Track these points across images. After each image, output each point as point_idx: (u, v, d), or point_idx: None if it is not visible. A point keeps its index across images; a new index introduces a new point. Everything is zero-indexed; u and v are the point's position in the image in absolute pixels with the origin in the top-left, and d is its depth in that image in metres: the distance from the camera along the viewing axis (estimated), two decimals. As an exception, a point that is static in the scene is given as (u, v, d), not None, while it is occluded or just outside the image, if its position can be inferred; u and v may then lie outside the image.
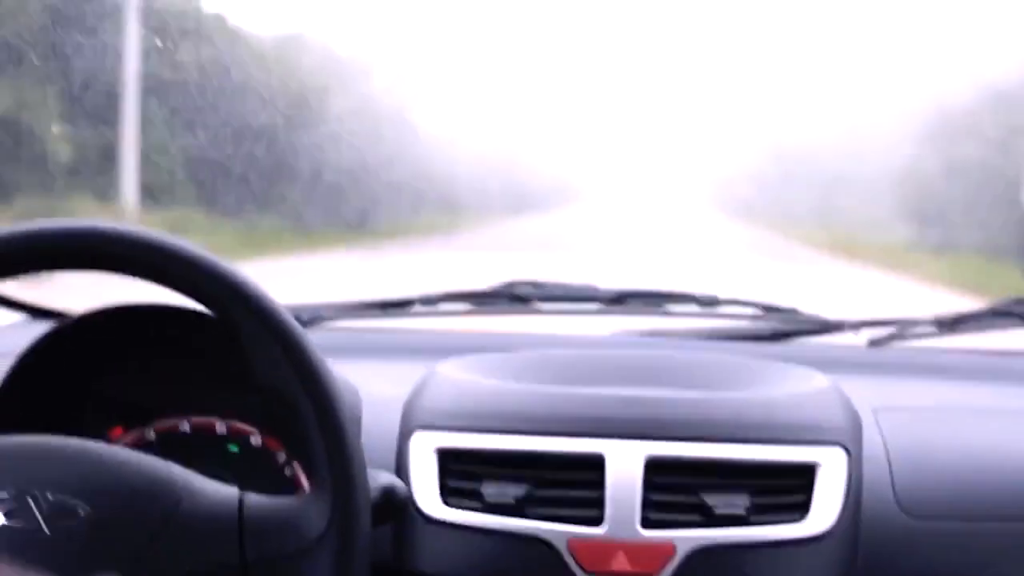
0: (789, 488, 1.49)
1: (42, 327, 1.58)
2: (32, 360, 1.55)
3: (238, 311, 1.17)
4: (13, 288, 2.12)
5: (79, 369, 1.58)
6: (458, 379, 1.63)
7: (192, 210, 3.65)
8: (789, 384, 1.65)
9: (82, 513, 1.15)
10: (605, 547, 1.43)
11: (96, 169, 3.36)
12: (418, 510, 1.49)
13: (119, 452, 1.23)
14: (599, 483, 1.46)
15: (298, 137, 3.05)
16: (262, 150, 2.77)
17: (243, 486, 1.23)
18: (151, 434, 1.59)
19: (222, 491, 1.21)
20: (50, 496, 1.16)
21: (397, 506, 1.29)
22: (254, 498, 1.20)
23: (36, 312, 2.13)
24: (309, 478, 1.23)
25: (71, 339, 1.56)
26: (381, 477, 1.30)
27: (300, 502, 1.20)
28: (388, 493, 1.29)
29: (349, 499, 1.16)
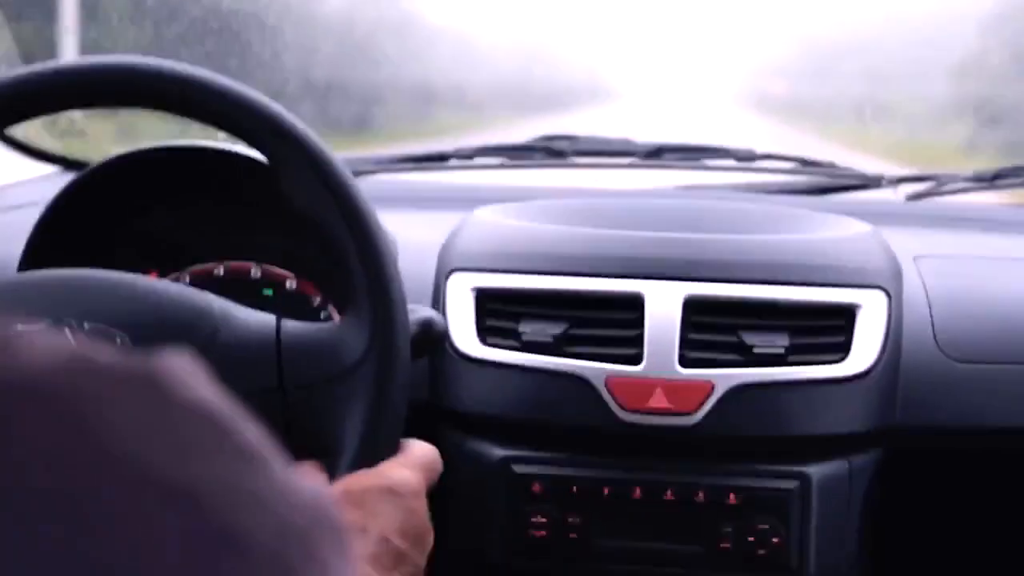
0: (829, 329, 1.48)
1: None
2: (62, 206, 1.54)
3: (281, 146, 1.16)
4: (47, 142, 2.12)
5: (113, 212, 1.57)
6: (496, 222, 1.62)
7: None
8: (829, 229, 1.64)
9: (119, 341, 1.15)
10: (643, 384, 1.43)
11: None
12: (455, 349, 1.49)
13: (156, 283, 1.23)
14: (638, 322, 1.46)
15: (279, 28, 2.92)
16: (235, 42, 2.67)
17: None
18: (185, 278, 1.58)
19: (259, 318, 1.20)
20: (87, 325, 1.15)
21: (434, 339, 1.29)
22: (291, 324, 1.19)
23: (69, 164, 2.12)
24: (347, 311, 1.22)
25: (104, 183, 1.55)
26: (420, 311, 1.29)
27: (338, 328, 1.19)
28: (426, 326, 1.28)
29: (388, 325, 1.15)
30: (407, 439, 1.15)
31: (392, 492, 1.04)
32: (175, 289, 1.21)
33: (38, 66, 1.16)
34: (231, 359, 1.16)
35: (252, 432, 0.48)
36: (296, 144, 1.15)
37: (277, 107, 1.16)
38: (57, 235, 1.54)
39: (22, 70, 1.16)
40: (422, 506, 1.07)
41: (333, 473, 1.11)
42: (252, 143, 1.17)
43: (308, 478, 0.55)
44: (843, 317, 1.48)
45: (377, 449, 1.12)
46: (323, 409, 1.15)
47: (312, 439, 1.16)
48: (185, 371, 0.49)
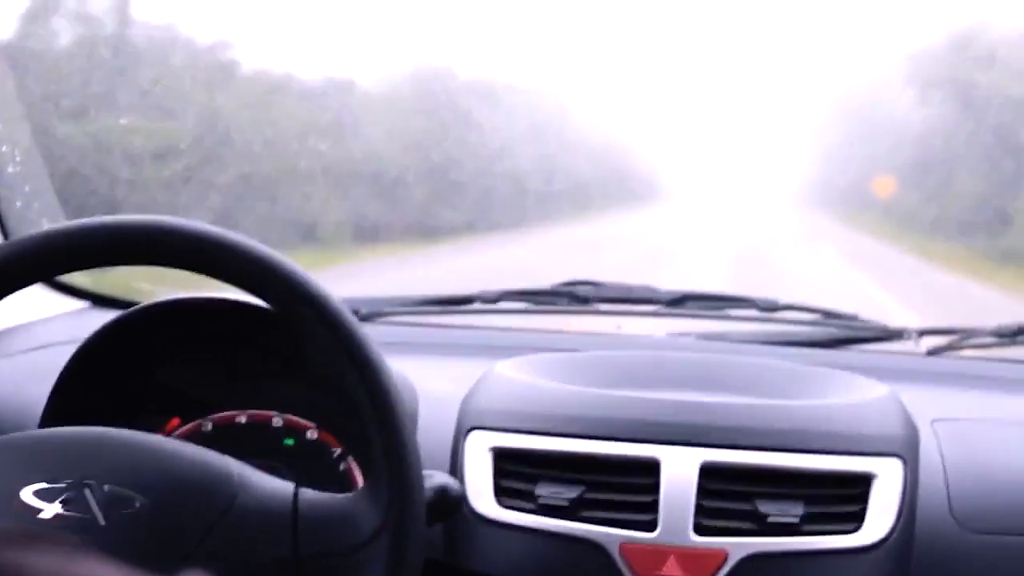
0: (844, 498, 1.48)
1: (104, 315, 1.59)
2: (94, 348, 1.56)
3: (296, 305, 1.17)
4: (75, 276, 2.15)
5: (140, 359, 1.59)
6: (515, 379, 1.63)
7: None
8: (847, 393, 1.64)
9: (138, 504, 1.16)
10: (657, 552, 1.43)
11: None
12: (472, 510, 1.50)
13: (176, 444, 1.24)
14: (653, 488, 1.46)
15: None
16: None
17: (298, 480, 1.24)
18: (208, 426, 1.60)
19: (277, 485, 1.21)
20: (107, 487, 1.16)
21: (451, 505, 1.29)
22: (309, 493, 1.20)
23: (97, 300, 2.15)
24: (364, 474, 1.23)
25: (133, 329, 1.57)
26: (436, 476, 1.30)
27: (355, 498, 1.20)
28: (442, 492, 1.28)
29: (405, 497, 1.16)
30: None
31: None
32: (196, 452, 1.22)
33: (68, 224, 1.18)
34: (248, 527, 1.17)
35: None
36: (320, 311, 1.17)
37: (303, 272, 1.18)
38: (87, 378, 1.56)
39: (57, 226, 1.18)
40: None
41: None
42: (279, 308, 1.19)
43: None
44: (859, 486, 1.48)
45: None
46: None
47: None
48: None
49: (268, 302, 1.20)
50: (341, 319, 1.17)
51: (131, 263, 1.20)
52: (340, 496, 1.21)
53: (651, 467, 1.47)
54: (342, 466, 1.59)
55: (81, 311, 2.12)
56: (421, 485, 1.18)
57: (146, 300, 1.59)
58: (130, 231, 1.17)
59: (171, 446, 1.23)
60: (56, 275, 1.23)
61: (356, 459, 1.57)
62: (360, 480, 1.55)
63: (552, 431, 1.52)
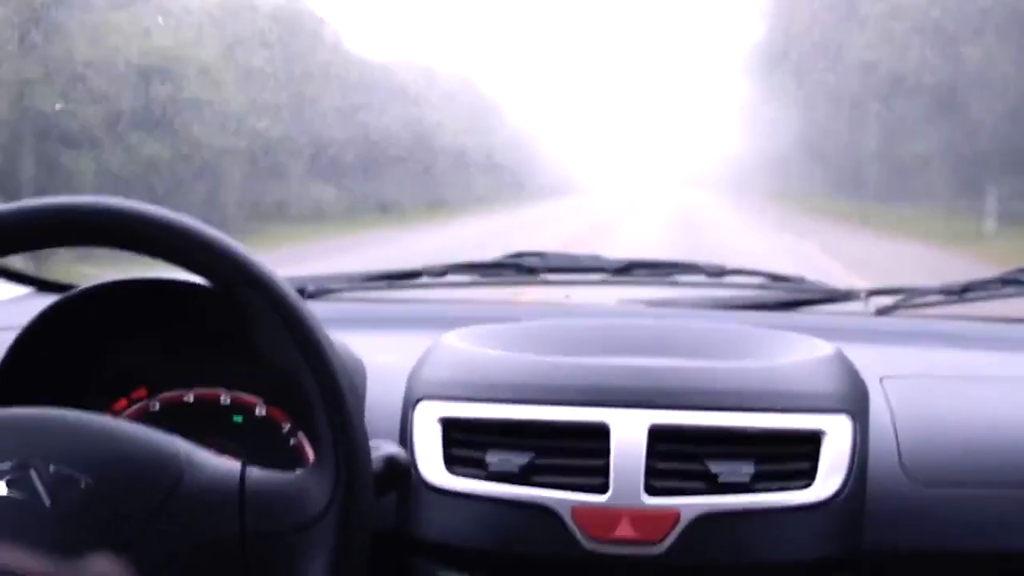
0: (794, 456, 1.48)
1: (48, 300, 1.58)
2: (37, 332, 1.55)
3: (239, 284, 1.17)
4: (18, 262, 2.13)
5: (84, 341, 1.58)
6: (462, 349, 1.63)
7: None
8: (794, 352, 1.64)
9: (83, 485, 1.15)
10: (609, 514, 1.43)
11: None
12: (422, 479, 1.49)
13: (122, 425, 1.23)
14: (603, 451, 1.46)
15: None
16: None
17: (247, 456, 1.23)
18: (155, 405, 1.59)
19: (224, 465, 1.20)
20: (52, 468, 1.15)
21: (399, 475, 1.29)
22: (256, 472, 1.19)
23: (42, 285, 2.13)
24: (314, 449, 1.22)
25: (76, 311, 1.56)
26: (383, 447, 1.29)
27: (302, 477, 1.19)
28: (390, 462, 1.28)
29: (351, 475, 1.16)
30: None
31: None
32: (142, 432, 1.21)
33: (10, 206, 1.17)
34: (194, 506, 1.16)
35: None
36: (265, 292, 1.16)
37: (245, 251, 1.17)
38: (30, 362, 1.55)
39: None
40: None
41: None
42: (223, 288, 1.18)
43: None
44: (809, 443, 1.48)
45: None
46: (284, 560, 1.15)
47: None
48: None
49: (210, 281, 1.19)
50: (283, 296, 1.17)
51: (71, 244, 1.20)
52: (287, 475, 1.21)
53: (600, 431, 1.47)
54: (292, 441, 1.58)
55: (24, 297, 2.10)
56: (367, 457, 1.18)
57: (89, 283, 1.58)
58: (70, 212, 1.16)
59: (117, 426, 1.23)
60: (10, 254, 1.21)
61: (305, 434, 1.57)
62: (311, 455, 1.55)
63: (500, 399, 1.52)
